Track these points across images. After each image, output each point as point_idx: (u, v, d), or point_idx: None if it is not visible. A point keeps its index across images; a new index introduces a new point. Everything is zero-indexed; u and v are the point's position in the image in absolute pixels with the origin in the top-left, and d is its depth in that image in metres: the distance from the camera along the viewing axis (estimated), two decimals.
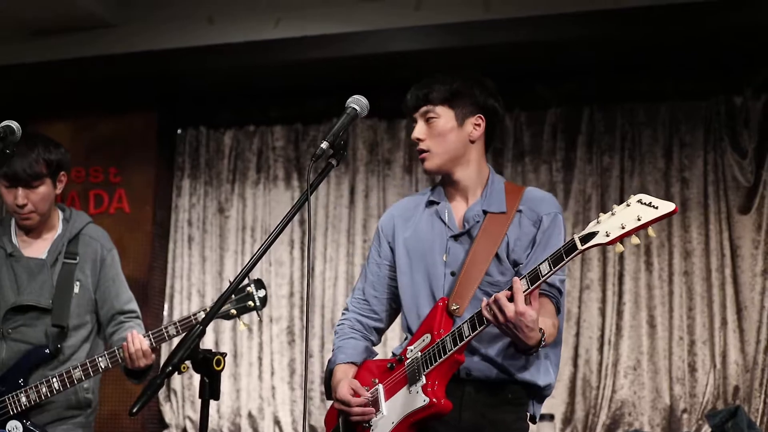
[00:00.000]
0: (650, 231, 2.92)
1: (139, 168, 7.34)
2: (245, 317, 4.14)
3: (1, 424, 4.20)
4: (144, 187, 7.31)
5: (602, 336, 6.81)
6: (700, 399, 6.56)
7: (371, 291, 3.66)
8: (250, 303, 4.09)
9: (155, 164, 7.41)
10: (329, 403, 3.63)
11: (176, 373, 2.43)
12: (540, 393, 3.40)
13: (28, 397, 4.18)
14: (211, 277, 7.33)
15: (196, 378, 7.04)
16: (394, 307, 3.66)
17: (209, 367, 2.47)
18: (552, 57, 6.65)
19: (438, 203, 3.55)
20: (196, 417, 7.02)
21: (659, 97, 6.97)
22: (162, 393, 7.09)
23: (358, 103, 3.10)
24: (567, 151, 7.05)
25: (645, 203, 2.94)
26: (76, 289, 4.36)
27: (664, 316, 6.75)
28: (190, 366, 2.49)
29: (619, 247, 3.00)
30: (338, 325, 3.70)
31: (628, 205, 2.97)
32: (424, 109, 3.44)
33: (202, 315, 4.05)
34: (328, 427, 3.58)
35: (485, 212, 3.44)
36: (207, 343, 7.17)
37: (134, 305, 4.47)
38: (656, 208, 2.90)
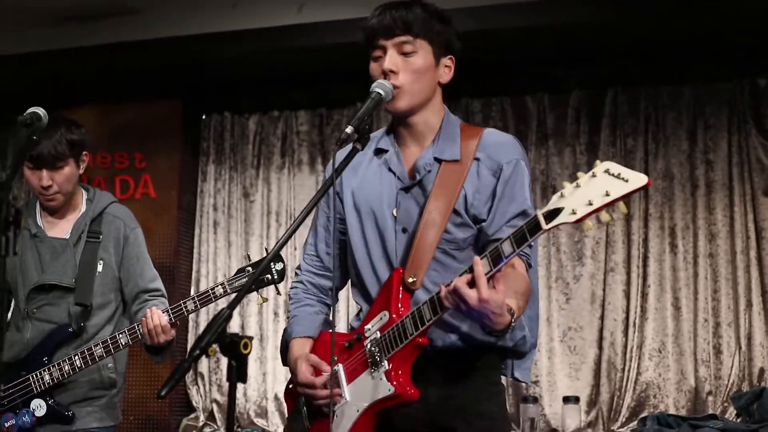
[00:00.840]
0: (621, 207, 2.55)
1: (165, 153, 7.38)
2: (263, 291, 4.06)
3: (25, 403, 4.24)
4: (169, 173, 7.35)
5: (627, 318, 6.81)
6: (725, 381, 6.55)
7: (324, 247, 3.37)
8: (268, 276, 4.01)
9: (180, 150, 7.44)
10: None
11: (204, 356, 2.44)
12: (514, 351, 3.10)
13: (51, 375, 4.20)
14: (237, 262, 7.35)
15: (223, 362, 7.11)
16: (347, 262, 3.32)
17: (236, 351, 2.49)
18: (574, 39, 6.63)
19: (386, 151, 3.22)
20: (223, 400, 7.07)
21: (683, 79, 6.95)
22: (189, 377, 7.14)
23: (382, 87, 3.01)
24: (591, 134, 7.04)
25: (613, 174, 2.55)
26: (100, 268, 4.37)
27: (689, 299, 6.74)
28: (218, 349, 2.51)
29: (588, 225, 2.63)
30: (292, 288, 3.44)
31: (594, 176, 2.59)
32: (402, 39, 3.07)
33: (220, 290, 4.02)
34: (289, 402, 3.34)
35: (438, 160, 3.11)
36: (233, 326, 7.21)
37: (159, 284, 4.46)
38: (626, 181, 2.52)
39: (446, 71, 3.18)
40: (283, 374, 7.10)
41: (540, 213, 2.66)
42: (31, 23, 7.13)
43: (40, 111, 3.46)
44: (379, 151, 3.24)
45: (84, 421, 4.28)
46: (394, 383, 2.98)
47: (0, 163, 7.78)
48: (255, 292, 4.04)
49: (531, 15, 6.35)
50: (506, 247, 2.73)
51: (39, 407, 4.22)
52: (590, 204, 2.57)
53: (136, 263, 4.44)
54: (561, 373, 6.82)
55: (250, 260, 4.03)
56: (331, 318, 3.34)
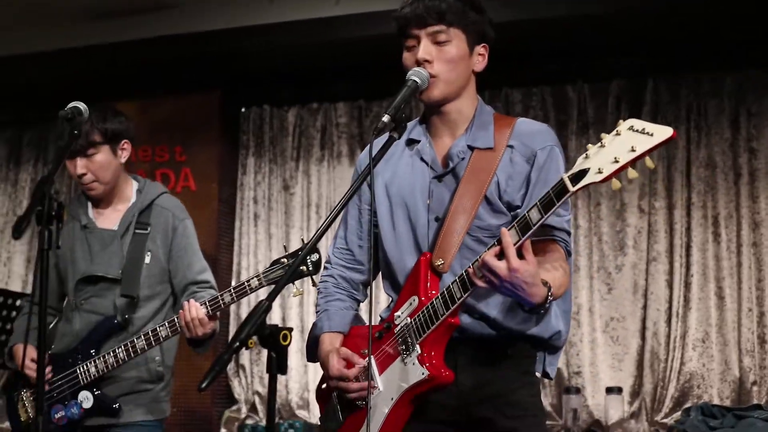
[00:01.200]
0: (648, 161, 2.53)
1: (204, 147, 7.40)
2: (298, 283, 4.01)
3: (73, 395, 4.26)
4: (209, 166, 7.37)
5: (670, 308, 6.76)
6: None
7: (354, 239, 3.34)
8: (303, 268, 3.89)
9: (220, 143, 7.47)
10: None
11: (244, 348, 2.44)
12: (547, 344, 3.06)
13: (96, 367, 4.20)
14: (278, 254, 7.34)
15: (264, 353, 7.12)
16: (380, 255, 3.27)
17: (276, 342, 2.49)
18: (614, 28, 6.58)
19: (418, 141, 3.18)
20: (265, 392, 7.09)
21: (724, 66, 6.87)
22: (231, 368, 7.17)
23: (418, 75, 2.98)
24: None
25: (637, 130, 2.54)
26: (147, 260, 4.35)
27: (733, 288, 6.68)
28: (257, 341, 2.50)
29: (615, 184, 2.60)
30: (322, 282, 3.42)
31: (618, 134, 2.58)
32: (435, 28, 3.03)
33: (255, 282, 3.97)
34: (321, 404, 3.36)
35: (471, 148, 3.07)
36: (274, 318, 7.23)
37: (208, 275, 4.43)
38: (651, 135, 2.52)
39: (480, 60, 3.13)
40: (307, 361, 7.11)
41: (566, 176, 2.63)
42: (69, 19, 7.18)
43: (81, 105, 3.48)
44: (410, 142, 3.21)
45: (130, 414, 4.28)
46: (427, 365, 2.94)
47: (42, 157, 7.88)
48: (291, 284, 3.98)
49: (571, 4, 6.32)
50: (534, 214, 2.69)
51: (86, 399, 4.23)
52: (616, 161, 2.55)
53: (184, 255, 4.42)
54: (604, 364, 6.78)
55: (286, 251, 3.99)
56: (368, 310, 3.30)
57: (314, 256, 3.86)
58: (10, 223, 8.11)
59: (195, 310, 4.02)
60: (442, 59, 3.03)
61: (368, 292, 3.32)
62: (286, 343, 2.49)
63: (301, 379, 7.14)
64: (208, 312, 4.04)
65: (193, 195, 7.24)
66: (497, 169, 3.02)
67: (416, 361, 2.96)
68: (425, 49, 3.03)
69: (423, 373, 2.94)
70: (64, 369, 4.29)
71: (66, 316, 4.42)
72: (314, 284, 3.79)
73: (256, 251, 7.44)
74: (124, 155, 4.41)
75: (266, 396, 6.98)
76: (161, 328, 4.12)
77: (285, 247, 3.99)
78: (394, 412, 3.03)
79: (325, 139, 7.53)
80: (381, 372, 3.08)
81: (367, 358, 3.08)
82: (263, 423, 6.93)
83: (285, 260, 3.93)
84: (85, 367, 4.23)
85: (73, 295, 4.38)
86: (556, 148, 3.07)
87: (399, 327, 3.03)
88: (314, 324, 3.36)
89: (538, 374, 3.13)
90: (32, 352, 4.17)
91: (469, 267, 2.80)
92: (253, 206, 7.55)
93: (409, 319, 3.00)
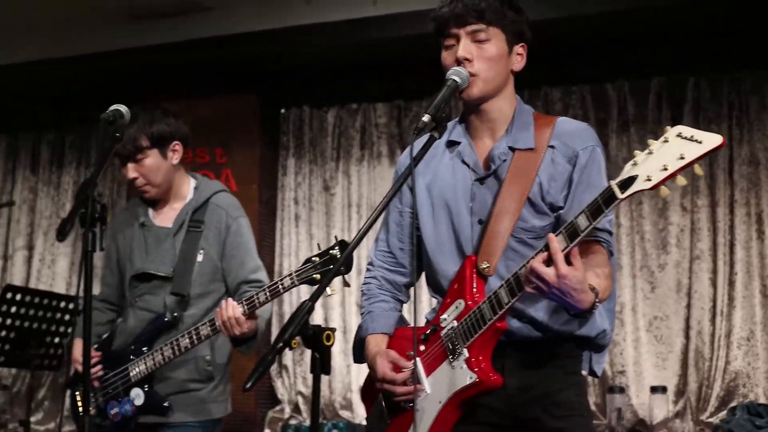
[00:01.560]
0: (697, 169, 2.50)
1: (245, 148, 7.43)
2: (334, 282, 3.97)
3: (126, 391, 4.31)
4: (250, 167, 7.40)
5: (714, 307, 6.70)
6: None
7: (396, 242, 3.33)
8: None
9: (260, 144, 7.50)
10: None
11: (287, 349, 2.45)
12: (593, 343, 3.05)
13: (146, 364, 4.24)
14: None
15: (307, 354, 7.14)
16: (421, 259, 3.26)
17: (319, 343, 2.49)
18: (654, 25, 6.54)
19: (459, 143, 3.16)
20: (308, 392, 7.11)
21: (766, 63, 6.81)
22: (274, 369, 7.19)
23: (458, 74, 2.97)
24: (673, 121, 6.90)
25: (686, 137, 2.51)
26: (200, 258, 4.35)
27: None
28: (301, 342, 2.51)
29: (664, 191, 2.56)
30: (365, 284, 3.42)
31: (666, 141, 2.54)
32: (474, 27, 3.02)
33: (288, 281, 3.94)
34: (366, 403, 3.36)
35: (512, 149, 3.05)
36: (316, 319, 7.24)
37: (261, 274, 4.41)
38: (700, 142, 2.48)
39: (518, 59, 3.12)
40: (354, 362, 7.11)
41: (614, 183, 2.61)
42: (109, 21, 7.23)
43: (122, 108, 3.50)
44: (451, 144, 3.19)
45: (179, 414, 4.29)
46: (476, 370, 2.93)
47: (85, 160, 7.95)
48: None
49: (609, 1, 6.28)
50: (581, 221, 2.69)
51: (138, 396, 4.28)
52: (665, 169, 2.53)
53: (236, 253, 4.40)
54: (647, 363, 6.74)
55: (320, 249, 3.96)
56: (411, 314, 3.31)
57: None
58: (53, 225, 8.18)
59: (231, 309, 4.01)
60: (482, 57, 3.02)
61: (411, 294, 3.31)
62: (330, 343, 2.49)
63: (344, 380, 7.15)
64: (244, 311, 4.03)
65: (234, 196, 7.26)
66: (539, 171, 3.01)
67: (464, 365, 2.95)
68: (465, 47, 3.01)
69: (471, 378, 2.93)
70: (119, 365, 4.34)
71: (124, 314, 4.47)
72: (345, 284, 3.76)
73: (297, 252, 7.46)
74: (175, 156, 4.42)
75: (309, 396, 7.01)
76: (203, 326, 4.14)
77: (318, 245, 3.95)
78: (441, 415, 3.02)
79: (364, 139, 7.54)
80: (428, 374, 3.07)
81: (413, 362, 3.06)
82: (306, 423, 6.95)
83: (316, 258, 3.90)
84: (136, 364, 4.28)
85: (129, 293, 4.43)
86: (598, 148, 3.05)
87: (445, 330, 3.02)
88: (359, 326, 3.34)
89: (584, 373, 3.12)
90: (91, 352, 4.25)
91: (518, 272, 2.78)
92: (294, 207, 7.57)
93: (455, 322, 2.99)
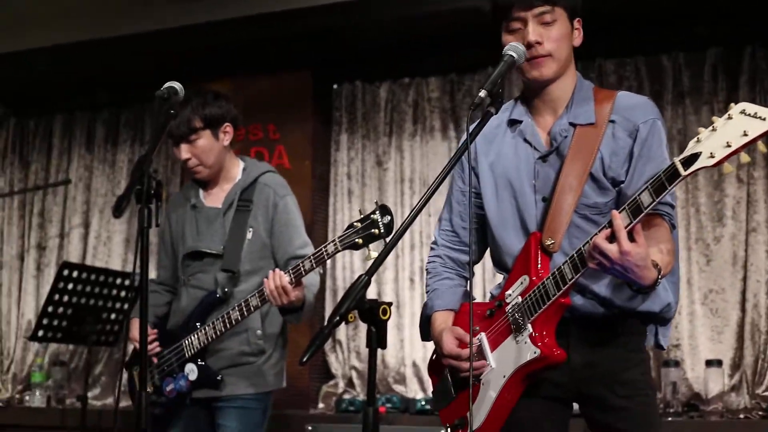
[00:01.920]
0: (760, 146, 2.56)
1: (297, 124, 7.44)
2: (373, 246, 3.97)
3: (180, 367, 4.43)
4: (303, 143, 7.41)
5: None
6: None
7: (459, 222, 3.41)
8: (375, 231, 3.93)
9: (312, 120, 7.50)
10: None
11: (343, 323, 2.47)
12: (658, 318, 3.09)
13: (199, 339, 4.38)
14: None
15: (361, 329, 7.17)
16: (484, 238, 3.36)
17: (375, 317, 2.51)
18: None
19: (520, 122, 3.22)
20: (362, 367, 7.13)
21: None
22: (328, 344, 7.21)
23: (515, 50, 3.01)
24: (729, 92, 6.83)
25: (750, 114, 2.55)
26: (249, 236, 4.52)
27: None
28: (357, 316, 2.53)
29: (727, 168, 2.62)
30: (429, 262, 3.50)
31: (730, 118, 2.58)
32: (541, 9, 3.08)
33: (331, 247, 4.03)
34: (433, 377, 3.42)
35: (573, 125, 3.10)
36: (370, 294, 7.24)
37: (308, 250, 4.50)
38: (764, 119, 2.52)
39: (577, 34, 3.18)
40: (420, 341, 7.11)
41: (677, 160, 2.66)
42: (158, 1, 7.26)
43: (177, 85, 3.55)
44: (512, 123, 3.24)
45: (232, 387, 4.47)
46: (539, 344, 3.00)
47: (139, 138, 8.02)
48: (366, 248, 3.98)
49: None
50: (645, 198, 2.74)
51: (192, 371, 4.45)
52: (728, 146, 2.57)
53: (285, 230, 4.57)
54: (703, 336, 6.68)
55: (361, 214, 4.02)
56: (469, 291, 3.35)
57: (385, 219, 3.92)
58: (109, 203, 8.25)
59: (278, 278, 4.13)
60: (551, 39, 3.09)
61: (472, 271, 3.34)
62: (386, 317, 2.51)
63: (398, 354, 7.16)
64: (291, 280, 4.13)
65: (287, 173, 7.23)
66: (600, 145, 3.06)
67: (528, 340, 3.02)
68: (535, 31, 3.07)
69: (535, 352, 3.00)
70: (173, 342, 4.48)
71: (177, 294, 4.59)
72: (381, 245, 3.80)
73: None
74: (226, 138, 4.59)
75: (363, 371, 7.03)
76: (252, 297, 4.29)
77: (360, 210, 4.02)
78: (506, 389, 3.09)
79: (417, 113, 7.51)
80: (493, 349, 3.15)
81: (478, 337, 3.16)
82: (360, 397, 6.97)
83: (358, 224, 3.98)
84: (189, 340, 4.44)
85: (182, 272, 4.58)
86: (659, 122, 3.08)
87: (510, 306, 3.09)
88: (425, 304, 3.42)
89: (648, 347, 3.17)
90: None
91: (581, 248, 2.85)
92: (347, 182, 7.57)
93: (520, 298, 3.06)
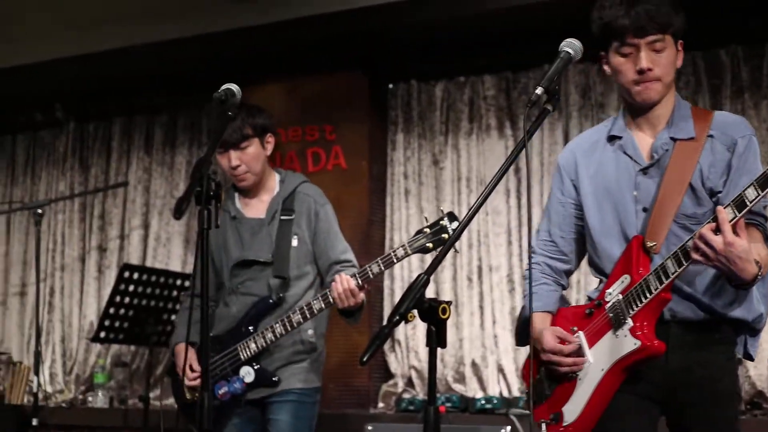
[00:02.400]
0: None
1: (353, 124, 7.45)
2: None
3: (234, 371, 4.57)
4: (359, 143, 7.42)
5: None
6: None
7: (557, 231, 3.57)
8: (444, 236, 4.15)
9: (368, 120, 7.50)
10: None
11: (403, 322, 2.48)
12: (749, 327, 3.24)
13: (256, 343, 4.61)
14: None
15: (419, 328, 7.17)
16: (581, 247, 3.54)
17: (435, 316, 2.51)
18: None
19: (620, 137, 3.38)
20: (421, 366, 7.13)
21: None
22: (387, 344, 7.21)
23: (572, 46, 3.03)
24: None
25: None
26: (294, 243, 4.72)
27: None
28: (417, 315, 2.53)
29: None
30: (528, 270, 3.54)
31: None
32: (654, 38, 3.24)
33: (401, 251, 4.30)
34: (527, 379, 3.52)
35: (673, 140, 3.27)
36: (428, 293, 7.23)
37: (349, 255, 4.79)
38: None
39: (680, 56, 3.36)
40: (479, 339, 7.11)
41: None
42: (217, 3, 7.31)
43: (234, 87, 3.59)
44: (612, 138, 3.41)
45: (288, 382, 4.66)
46: (639, 334, 3.14)
47: (197, 140, 8.06)
48: (432, 253, 4.24)
49: None
50: (750, 193, 2.92)
51: (248, 374, 4.64)
52: None
53: (326, 237, 4.77)
54: (765, 335, 6.58)
55: (427, 221, 4.24)
56: (565, 299, 3.65)
57: (453, 224, 4.17)
58: (168, 205, 8.32)
59: (346, 282, 4.34)
60: (661, 64, 3.27)
61: (568, 281, 3.67)
62: (446, 316, 2.52)
63: (457, 353, 7.15)
64: (357, 283, 4.35)
65: (343, 173, 7.30)
66: (700, 158, 3.23)
67: (628, 333, 3.17)
68: (648, 57, 3.25)
69: (635, 344, 3.14)
70: (223, 348, 4.64)
71: (224, 301, 4.79)
72: (456, 250, 3.99)
73: (407, 226, 7.46)
74: (269, 148, 4.88)
75: (422, 370, 7.04)
76: (315, 301, 4.49)
77: (426, 218, 4.20)
78: (604, 382, 3.24)
79: (473, 112, 7.49)
80: (591, 346, 3.30)
81: (577, 335, 3.35)
82: (420, 396, 6.97)
83: (427, 230, 4.22)
84: (245, 344, 4.61)
85: (230, 281, 4.76)
86: (754, 138, 3.28)
87: (610, 303, 3.24)
88: (523, 307, 3.59)
89: (738, 356, 3.31)
90: (192, 356, 4.59)
91: (685, 243, 3.02)
92: (404, 182, 7.57)
93: (620, 296, 3.21)
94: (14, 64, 8.07)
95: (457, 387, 7.06)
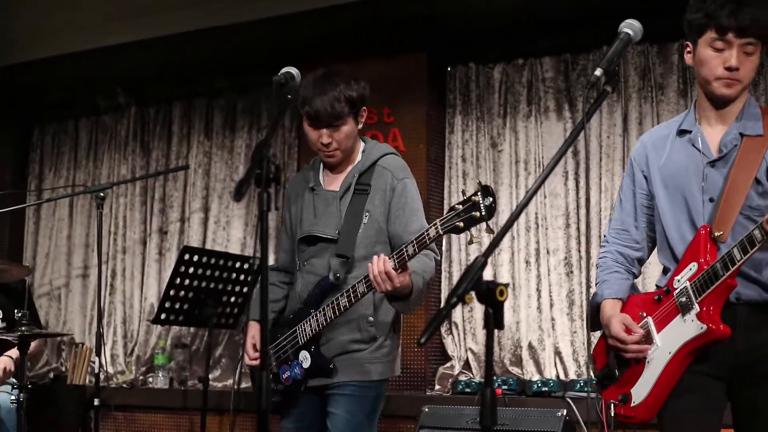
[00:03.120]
0: None
1: (412, 107, 7.45)
2: (474, 230, 3.86)
3: (294, 354, 4.38)
4: (417, 126, 7.42)
5: None
6: None
7: (630, 220, 3.69)
8: (476, 213, 3.75)
9: (427, 103, 7.50)
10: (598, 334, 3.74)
11: (461, 304, 2.49)
12: None
13: (311, 326, 4.31)
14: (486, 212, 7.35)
15: (477, 311, 7.17)
16: (652, 236, 3.66)
17: (492, 298, 2.51)
18: None
19: (690, 131, 3.51)
20: (477, 349, 7.13)
21: None
22: (444, 326, 7.22)
23: (631, 27, 3.03)
24: None
25: None
26: (365, 220, 4.41)
27: None
28: (474, 297, 2.54)
29: None
30: (601, 258, 3.75)
31: None
32: (749, 41, 3.33)
33: (433, 231, 3.91)
34: (598, 362, 3.70)
35: (742, 135, 3.39)
36: (486, 275, 7.22)
37: None
38: None
39: (758, 57, 3.43)
40: (536, 322, 7.10)
41: None
42: None
43: (293, 70, 3.59)
44: (681, 132, 3.53)
45: (344, 374, 4.37)
46: (706, 319, 3.25)
47: (257, 123, 8.11)
48: (467, 232, 3.85)
49: None
50: None
51: (305, 359, 4.37)
52: None
53: (401, 214, 4.44)
54: None
55: (464, 196, 3.86)
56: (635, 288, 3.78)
57: (487, 200, 3.74)
58: (227, 188, 8.38)
59: (382, 263, 4.04)
60: (748, 68, 3.37)
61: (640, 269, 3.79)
62: (503, 298, 2.51)
63: (513, 336, 7.15)
64: (394, 265, 4.04)
65: (402, 155, 7.28)
66: (766, 154, 3.33)
67: (695, 318, 3.29)
68: (738, 58, 3.32)
69: (702, 328, 3.26)
70: (287, 330, 4.43)
71: (293, 279, 4.56)
72: (489, 230, 3.75)
73: None
74: (361, 122, 4.51)
75: (479, 353, 7.04)
76: (359, 284, 4.18)
77: (463, 191, 3.86)
78: (671, 364, 3.37)
79: (531, 94, 7.46)
80: (659, 330, 3.44)
81: (645, 321, 3.50)
82: (476, 379, 6.98)
83: (459, 206, 3.83)
84: (302, 327, 4.36)
85: (297, 257, 4.52)
86: None
87: (678, 290, 3.37)
88: (594, 294, 3.70)
89: None
90: (256, 336, 4.46)
91: (751, 232, 3.14)
92: (462, 165, 7.56)
93: (688, 282, 3.33)
94: (77, 50, 8.17)
95: (514, 370, 7.06)
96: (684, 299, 3.35)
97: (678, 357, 3.36)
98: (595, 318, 3.68)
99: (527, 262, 7.22)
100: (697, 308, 3.30)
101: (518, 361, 7.10)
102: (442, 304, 2.50)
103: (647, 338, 3.47)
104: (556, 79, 7.39)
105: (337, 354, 4.41)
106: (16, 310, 6.08)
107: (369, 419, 4.48)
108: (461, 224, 3.80)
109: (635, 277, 3.75)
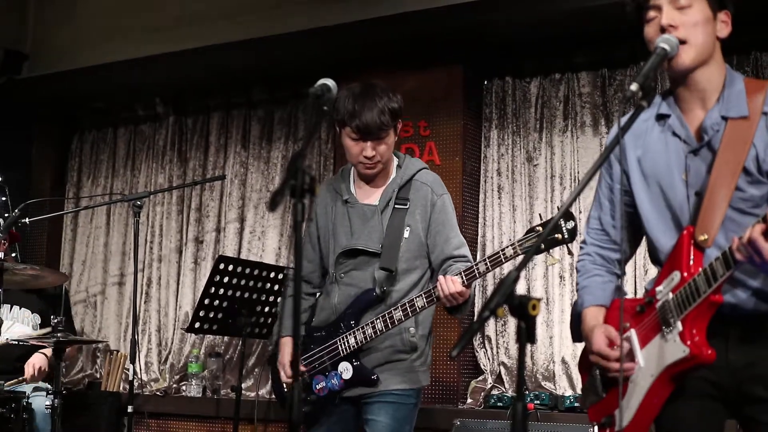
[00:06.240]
0: None
1: (448, 121, 7.47)
2: (555, 251, 4.04)
3: (333, 366, 4.42)
4: (453, 139, 7.43)
5: None
6: None
7: (607, 219, 3.37)
8: (558, 236, 3.94)
9: (462, 116, 7.51)
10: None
11: (493, 317, 2.49)
12: None
13: (355, 338, 4.37)
14: (522, 226, 7.36)
15: (510, 325, 7.16)
16: (635, 234, 3.33)
17: (525, 312, 2.51)
18: None
19: (668, 116, 3.15)
20: (510, 363, 7.12)
21: None
22: (477, 340, 7.22)
23: (668, 42, 2.97)
24: None
25: None
26: (406, 234, 4.48)
27: None
28: (507, 311, 2.54)
29: None
30: (579, 261, 3.46)
31: None
32: None
33: (510, 251, 4.04)
34: (582, 375, 3.42)
35: (724, 118, 3.01)
36: (519, 290, 7.21)
37: (465, 250, 4.52)
38: None
39: (723, 26, 3.09)
40: (569, 338, 7.04)
41: None
42: (309, 2, 7.39)
43: (330, 82, 3.60)
44: (660, 117, 3.19)
45: (386, 383, 4.46)
46: (688, 343, 2.92)
47: (293, 135, 8.14)
48: (544, 253, 4.00)
49: None
50: None
51: (346, 370, 4.43)
52: None
53: (442, 230, 4.52)
54: None
55: (542, 219, 4.01)
56: (620, 289, 3.36)
57: (569, 224, 3.92)
58: (263, 199, 8.42)
59: (452, 284, 4.17)
60: (687, 23, 3.01)
61: (623, 269, 3.38)
62: (535, 312, 2.51)
63: (546, 351, 7.13)
64: (463, 282, 4.17)
65: (437, 169, 7.28)
66: (754, 139, 2.97)
67: (677, 338, 2.96)
68: (668, 15, 3.01)
69: (684, 351, 2.93)
70: (323, 341, 4.47)
71: (326, 290, 4.59)
72: (570, 252, 3.82)
73: (500, 223, 7.46)
74: (398, 134, 4.54)
75: (511, 367, 7.03)
76: (418, 298, 4.26)
77: (540, 215, 4.03)
78: (653, 389, 3.05)
79: (567, 109, 7.46)
80: (642, 346, 3.10)
81: (628, 334, 3.12)
82: (509, 393, 6.96)
83: (540, 228, 4.00)
84: (345, 338, 4.41)
85: (334, 269, 4.55)
86: None
87: (660, 302, 3.03)
88: (575, 302, 3.41)
89: None
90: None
91: (734, 240, 2.78)
92: (497, 179, 7.56)
93: (670, 294, 3.00)
94: (118, 59, 8.26)
95: (547, 385, 7.04)
96: (666, 314, 3.01)
97: (660, 381, 3.04)
98: (576, 327, 3.41)
99: (561, 277, 7.20)
100: (679, 327, 2.95)
101: (551, 376, 7.08)
102: (475, 318, 2.49)
103: (629, 354, 3.11)
104: (592, 93, 7.38)
105: (380, 364, 4.50)
106: (53, 316, 6.14)
107: (410, 426, 4.60)
108: (543, 245, 3.96)
109: (618, 277, 3.38)
